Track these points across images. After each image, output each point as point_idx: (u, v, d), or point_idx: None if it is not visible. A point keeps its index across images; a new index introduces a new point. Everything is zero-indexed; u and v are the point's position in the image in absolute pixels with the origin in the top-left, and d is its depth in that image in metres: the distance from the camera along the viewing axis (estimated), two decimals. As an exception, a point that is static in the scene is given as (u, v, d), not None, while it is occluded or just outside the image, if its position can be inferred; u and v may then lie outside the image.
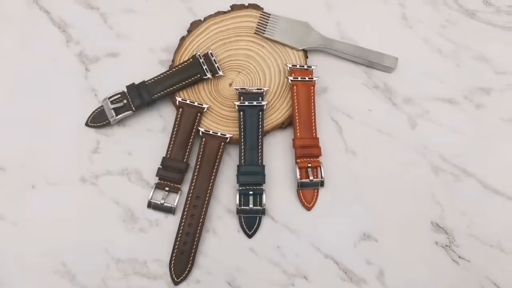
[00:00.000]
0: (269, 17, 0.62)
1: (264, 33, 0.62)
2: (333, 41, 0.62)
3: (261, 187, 0.56)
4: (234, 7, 0.63)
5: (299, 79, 0.58)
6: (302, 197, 0.57)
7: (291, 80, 0.58)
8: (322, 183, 0.57)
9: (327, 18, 0.65)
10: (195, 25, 0.62)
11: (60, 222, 0.56)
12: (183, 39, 0.62)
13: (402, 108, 0.62)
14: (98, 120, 0.60)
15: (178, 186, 0.57)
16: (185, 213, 0.55)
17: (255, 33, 0.62)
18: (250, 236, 0.56)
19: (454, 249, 0.56)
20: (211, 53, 0.59)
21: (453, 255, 0.56)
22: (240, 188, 0.56)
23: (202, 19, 0.63)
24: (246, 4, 0.64)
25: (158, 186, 0.57)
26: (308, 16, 0.63)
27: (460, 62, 0.64)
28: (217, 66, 0.59)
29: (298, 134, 0.57)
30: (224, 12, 0.63)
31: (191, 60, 0.59)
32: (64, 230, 0.56)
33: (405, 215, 0.57)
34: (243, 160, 0.56)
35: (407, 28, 0.66)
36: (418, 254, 0.56)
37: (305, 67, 0.59)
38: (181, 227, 0.55)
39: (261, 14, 0.62)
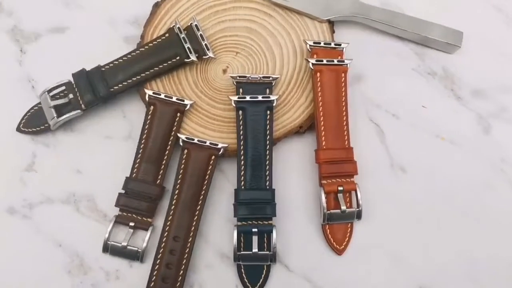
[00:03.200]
0: (280, -27, 0.56)
1: (273, -3, 0.55)
2: (372, 8, 0.56)
3: (270, 221, 0.49)
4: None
5: (324, 62, 0.51)
6: (330, 236, 0.50)
7: (312, 64, 0.52)
8: (359, 215, 0.50)
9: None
10: (174, -14, 0.55)
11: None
12: (157, 6, 0.56)
13: (469, 104, 0.55)
14: (34, 123, 0.53)
15: (149, 220, 0.50)
16: (158, 260, 0.47)
17: (260, -3, 0.56)
18: (254, 294, 0.48)
19: (550, 309, 0.49)
20: (196, 25, 0.52)
21: (549, 318, 0.49)
22: (240, 223, 0.49)
23: (185, -22, 0.56)
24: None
25: (119, 220, 0.49)
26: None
27: (547, 38, 0.57)
28: (206, 44, 0.52)
29: (324, 143, 0.50)
30: (216, -32, 0.56)
31: (167, 35, 0.52)
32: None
33: (477, 259, 0.50)
34: (243, 182, 0.49)
35: (473, -9, 0.60)
36: (497, 317, 0.49)
37: (333, 45, 0.53)
38: (152, 282, 0.47)
39: (269, -30, 0.56)
